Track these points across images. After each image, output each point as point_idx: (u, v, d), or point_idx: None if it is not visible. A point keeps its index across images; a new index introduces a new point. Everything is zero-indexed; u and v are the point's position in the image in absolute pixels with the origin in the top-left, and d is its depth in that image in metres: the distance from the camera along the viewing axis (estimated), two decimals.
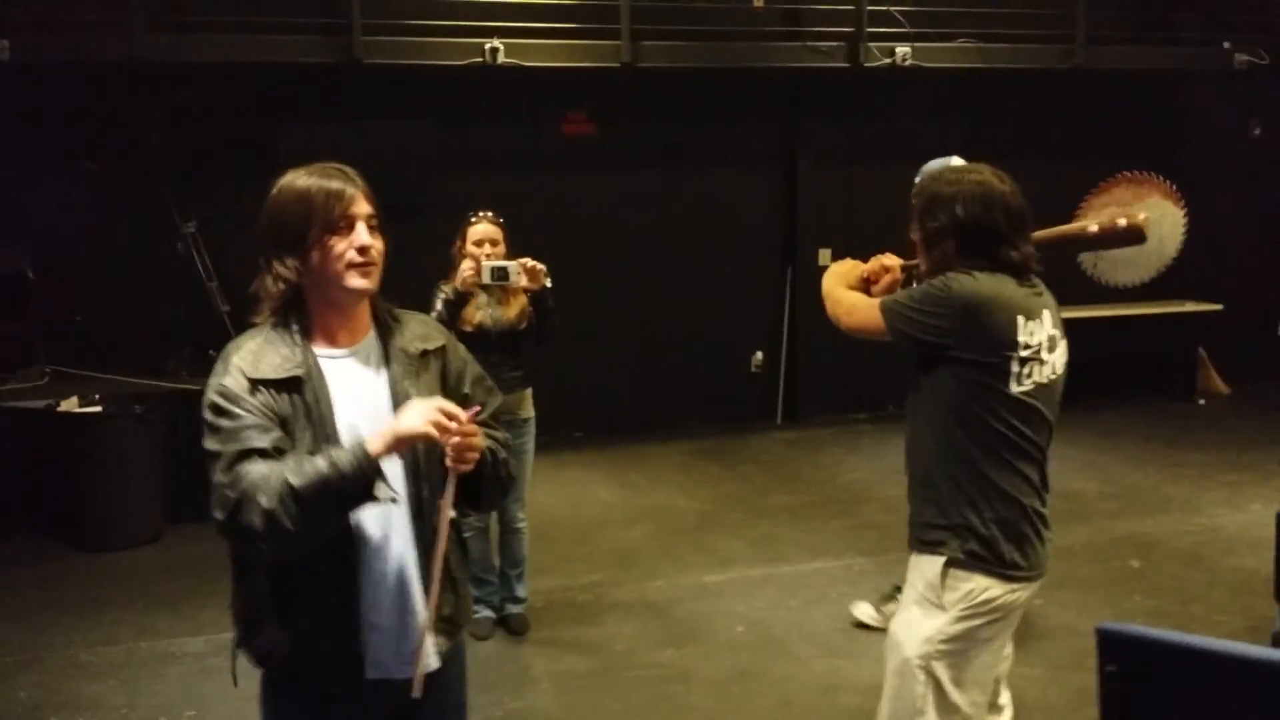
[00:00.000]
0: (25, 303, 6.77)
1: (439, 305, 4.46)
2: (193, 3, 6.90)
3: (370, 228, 2.19)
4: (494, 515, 4.83)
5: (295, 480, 1.98)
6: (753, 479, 7.37)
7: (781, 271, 8.86)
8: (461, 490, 2.18)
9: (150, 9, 6.72)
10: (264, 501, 1.98)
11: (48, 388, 6.56)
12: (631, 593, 5.38)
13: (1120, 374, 8.89)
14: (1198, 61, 8.89)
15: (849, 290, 3.01)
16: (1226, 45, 8.79)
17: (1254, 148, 9.72)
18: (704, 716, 4.19)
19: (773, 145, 8.85)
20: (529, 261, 4.49)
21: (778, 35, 8.15)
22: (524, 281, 4.47)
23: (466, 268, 4.38)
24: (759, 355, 8.97)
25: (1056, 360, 2.73)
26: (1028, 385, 2.66)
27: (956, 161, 4.80)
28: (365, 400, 2.20)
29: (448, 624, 2.30)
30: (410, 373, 2.25)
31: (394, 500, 2.08)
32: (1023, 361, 2.65)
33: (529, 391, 4.75)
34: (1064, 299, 2.95)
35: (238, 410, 2.08)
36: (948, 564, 2.71)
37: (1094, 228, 2.95)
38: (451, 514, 2.17)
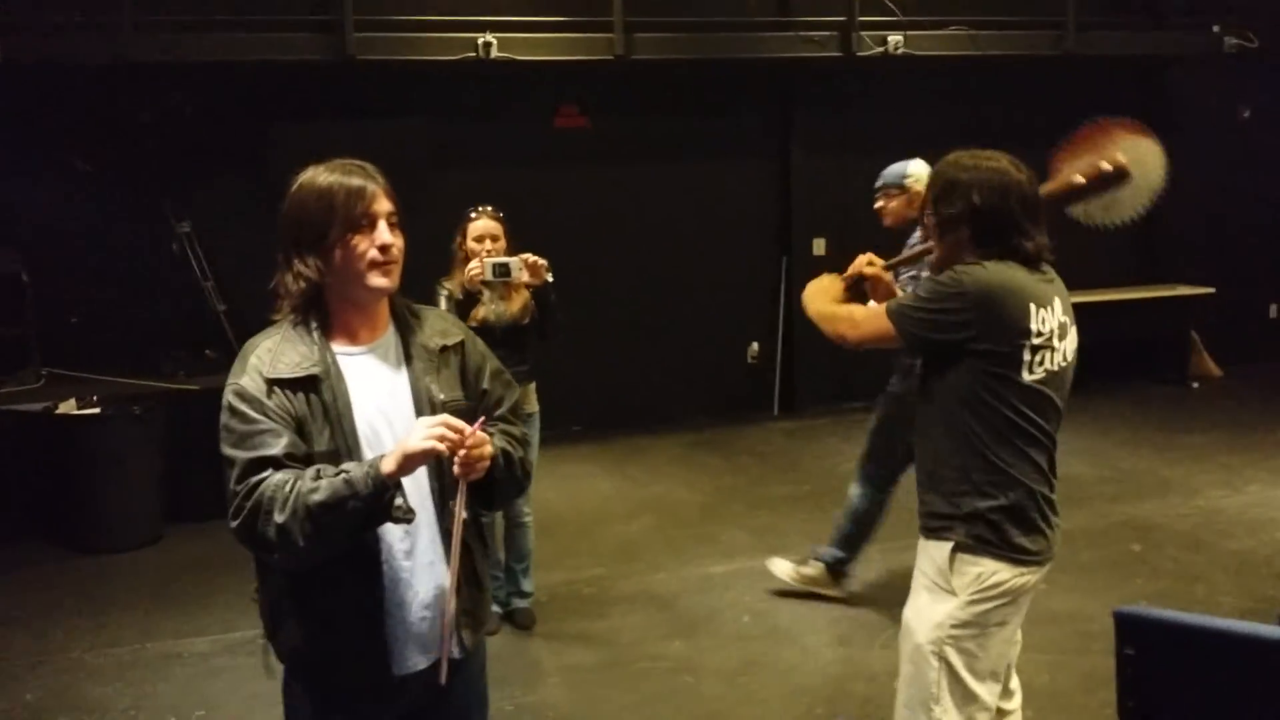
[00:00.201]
0: (19, 305, 6.72)
1: (443, 305, 4.45)
2: (184, 2, 6.86)
3: (391, 225, 2.19)
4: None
5: (310, 498, 1.99)
6: (752, 470, 7.38)
7: (776, 262, 8.86)
8: (475, 490, 2.18)
9: (141, 8, 6.67)
10: (278, 517, 1.99)
11: (44, 390, 6.52)
12: (636, 585, 5.39)
13: (1113, 358, 8.91)
14: (1187, 46, 8.91)
15: (841, 305, 3.00)
16: (1215, 29, 8.82)
17: (1243, 131, 9.75)
18: (716, 707, 4.20)
19: (766, 135, 8.85)
20: (530, 257, 4.48)
21: (770, 25, 8.15)
22: (526, 277, 4.46)
23: (472, 267, 4.38)
24: (755, 346, 8.98)
25: (1067, 347, 2.73)
26: (1039, 373, 2.66)
27: (917, 164, 4.88)
28: (385, 397, 2.20)
29: (470, 618, 2.30)
30: (431, 369, 2.25)
31: (410, 520, 2.07)
32: (1034, 349, 2.64)
33: (533, 386, 4.75)
34: None
35: (253, 413, 2.08)
36: (955, 549, 2.71)
37: (1080, 179, 2.96)
38: (464, 516, 2.17)
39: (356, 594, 2.15)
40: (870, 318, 2.86)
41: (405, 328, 2.29)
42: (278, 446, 2.05)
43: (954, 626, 2.72)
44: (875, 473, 4.96)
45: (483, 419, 2.14)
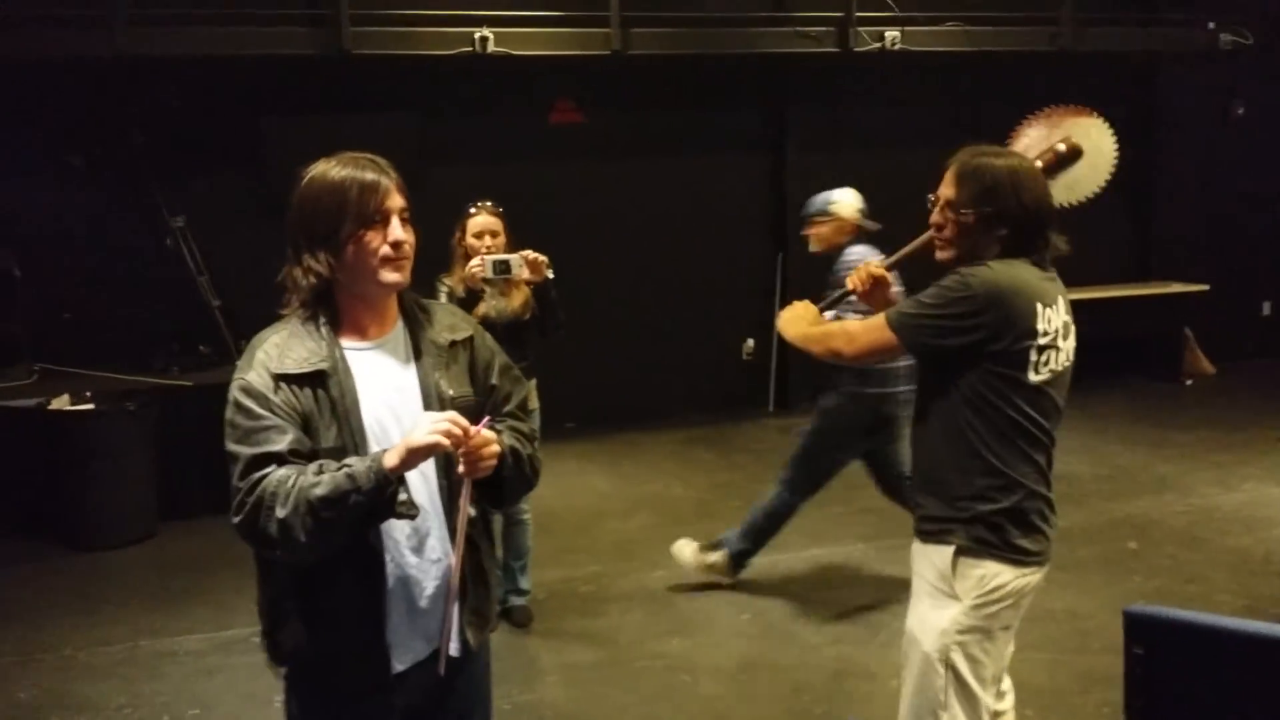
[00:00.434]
0: (12, 300, 6.68)
1: (443, 301, 4.43)
2: None
3: (404, 221, 2.17)
4: None
5: (312, 493, 1.97)
6: (747, 467, 7.36)
7: (772, 258, 8.84)
8: (484, 488, 2.16)
9: (135, 3, 6.63)
10: (279, 512, 1.97)
11: (37, 386, 6.49)
12: (634, 583, 5.38)
13: (1107, 355, 8.91)
14: (1182, 43, 8.92)
15: (825, 325, 2.97)
16: (1211, 26, 8.83)
17: (1237, 128, 9.76)
18: (715, 706, 4.19)
19: (761, 131, 8.83)
20: (530, 253, 4.46)
21: (766, 21, 8.13)
22: (527, 274, 4.44)
23: (473, 265, 4.35)
24: (750, 343, 8.96)
25: (1070, 347, 2.71)
26: (1045, 374, 2.64)
27: (840, 192, 5.04)
28: (393, 393, 2.19)
29: (476, 617, 2.29)
30: (440, 364, 2.24)
31: (413, 516, 2.06)
32: (1040, 349, 2.62)
33: (534, 383, 4.73)
34: None
35: (258, 409, 2.06)
36: (957, 553, 2.68)
37: (1039, 163, 2.95)
38: (471, 512, 2.16)
39: (359, 592, 2.14)
40: (867, 330, 2.80)
41: (414, 323, 2.27)
42: (282, 443, 2.03)
43: (959, 632, 2.69)
44: (794, 478, 5.06)
45: (489, 417, 2.12)
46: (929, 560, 2.76)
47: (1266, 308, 10.18)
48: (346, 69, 7.41)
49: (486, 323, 4.46)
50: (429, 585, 2.19)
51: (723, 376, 8.91)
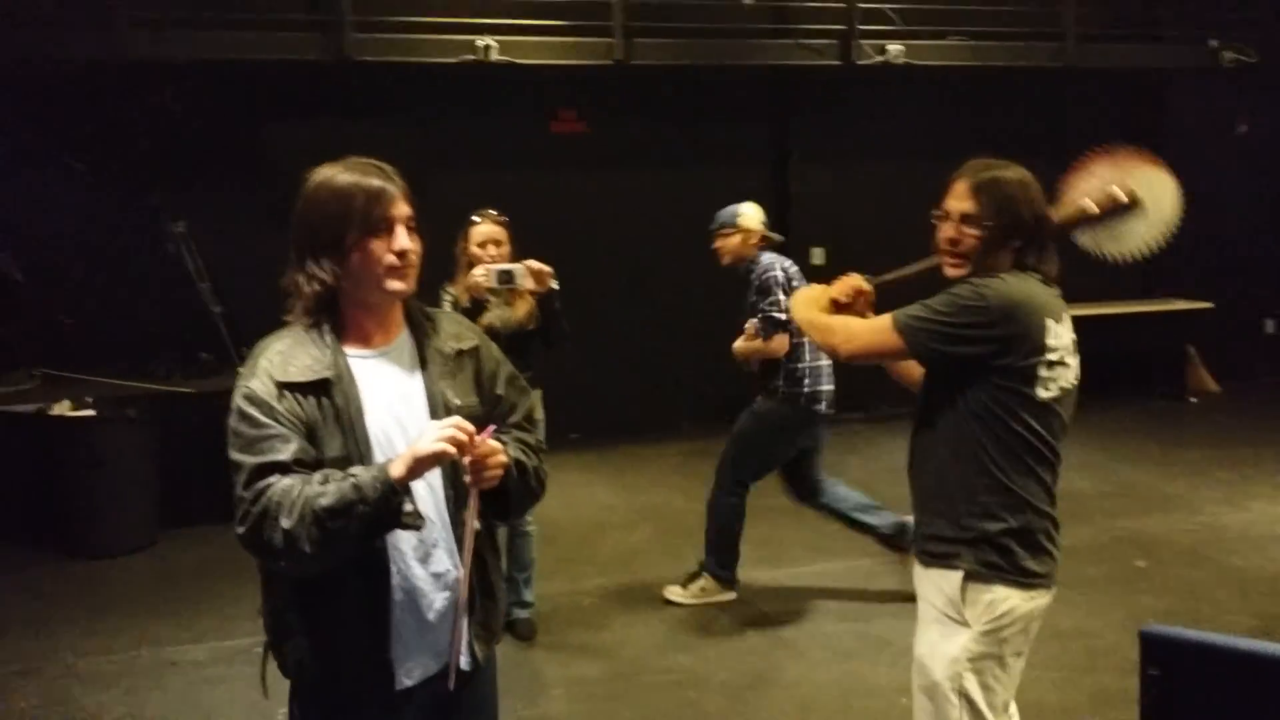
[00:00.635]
0: (12, 305, 6.67)
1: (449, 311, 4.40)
2: (181, 1, 6.78)
3: (409, 230, 2.14)
4: None
5: (317, 503, 1.93)
6: None
7: None
8: (489, 500, 2.13)
9: (137, 6, 6.61)
10: (284, 522, 1.94)
11: (37, 391, 6.45)
12: (638, 596, 5.34)
13: (1111, 372, 8.89)
14: (1185, 60, 8.94)
15: (834, 316, 2.87)
16: (1214, 44, 8.84)
17: (1240, 145, 9.77)
18: None
19: (764, 143, 8.83)
20: (534, 263, 4.44)
21: (770, 33, 8.13)
22: (530, 284, 4.41)
23: (477, 274, 4.32)
24: None
25: (1076, 365, 2.67)
26: (1054, 390, 2.59)
27: (747, 205, 5.13)
28: (398, 401, 2.16)
29: (483, 630, 2.27)
30: (446, 373, 2.21)
31: (419, 527, 2.02)
32: (1050, 365, 2.58)
33: (538, 393, 4.70)
34: None
35: (262, 417, 2.03)
36: (966, 578, 2.61)
37: (1094, 207, 2.86)
38: (477, 526, 2.12)
39: (365, 605, 2.10)
40: (869, 330, 2.74)
41: (419, 331, 2.24)
42: (286, 452, 2.00)
43: (970, 660, 2.62)
44: (727, 481, 5.15)
45: (493, 426, 2.09)
46: (935, 585, 2.69)
47: (1270, 325, 10.18)
48: (349, 75, 7.41)
49: (491, 333, 4.40)
50: (436, 598, 2.16)
51: (726, 389, 8.86)
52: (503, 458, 2.07)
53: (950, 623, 2.65)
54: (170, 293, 7.04)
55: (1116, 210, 2.86)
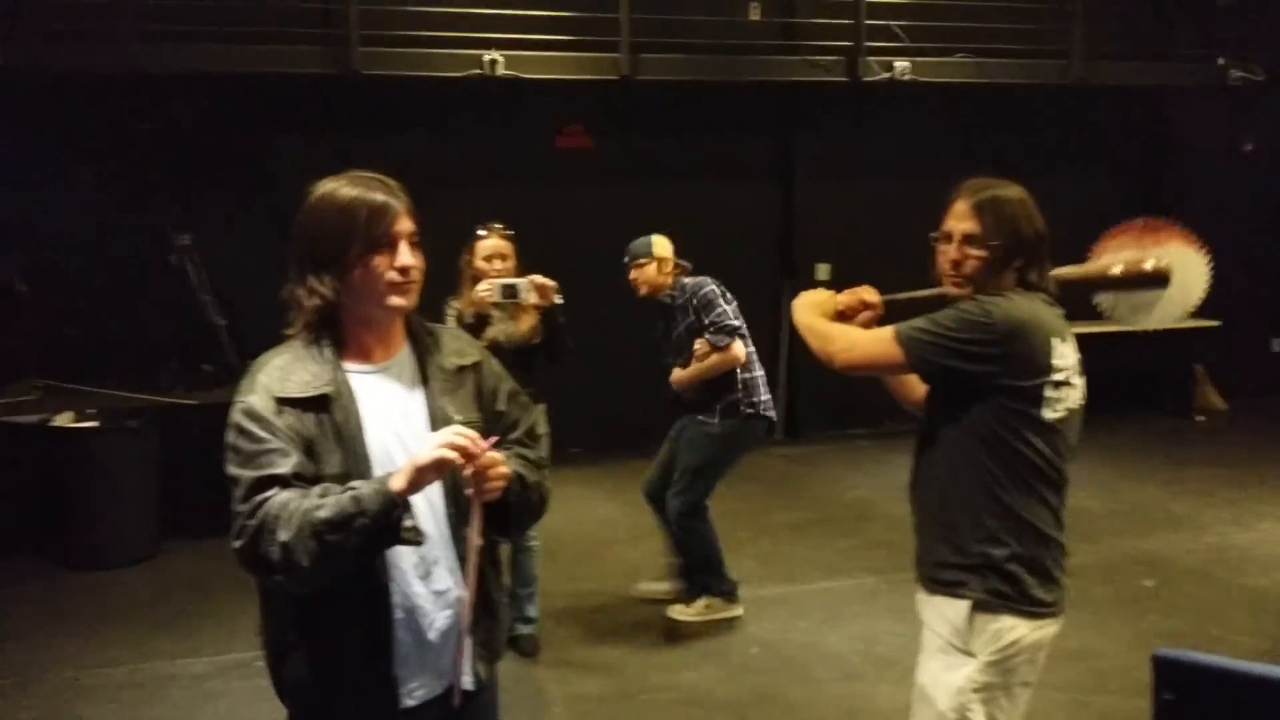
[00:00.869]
0: (15, 315, 6.64)
1: (450, 324, 4.39)
2: (188, 13, 6.79)
3: (412, 245, 2.12)
4: None
5: (316, 515, 1.90)
6: (755, 496, 7.28)
7: (778, 287, 8.80)
8: (490, 516, 2.10)
9: (145, 18, 6.61)
10: (281, 535, 1.91)
11: (39, 402, 6.43)
12: (642, 612, 5.29)
13: (1117, 390, 8.85)
14: (1192, 78, 8.93)
15: (834, 323, 2.80)
16: (1221, 62, 8.84)
17: (1246, 164, 9.75)
18: None
19: (770, 159, 8.82)
20: (538, 278, 4.43)
21: (776, 49, 8.13)
22: (534, 298, 4.40)
23: (481, 288, 4.31)
24: None
25: (1082, 385, 2.62)
26: (1060, 411, 2.54)
27: (658, 237, 5.15)
28: (398, 418, 2.13)
29: (485, 649, 2.24)
30: (447, 389, 2.19)
31: (419, 543, 1.99)
32: (1056, 385, 2.53)
33: (543, 408, 4.68)
34: None
35: (261, 432, 2.00)
36: (973, 608, 2.56)
37: (1118, 270, 2.79)
38: (479, 542, 2.09)
39: (365, 624, 2.07)
40: (870, 340, 2.67)
41: (421, 347, 2.22)
42: (286, 465, 1.98)
43: (975, 690, 2.56)
44: (692, 502, 5.06)
45: (495, 438, 2.06)
46: (940, 613, 2.63)
47: (1276, 344, 10.15)
48: (356, 89, 7.40)
49: (495, 347, 4.42)
50: (437, 617, 2.13)
51: None
52: (505, 469, 2.03)
53: (955, 652, 2.59)
54: (174, 305, 7.02)
55: (1143, 281, 2.78)
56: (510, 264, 4.58)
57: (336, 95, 7.52)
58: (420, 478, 1.93)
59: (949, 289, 2.67)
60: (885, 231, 8.32)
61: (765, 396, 5.10)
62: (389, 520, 1.92)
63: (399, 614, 2.09)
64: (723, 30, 8.05)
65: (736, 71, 7.98)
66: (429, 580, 2.12)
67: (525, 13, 7.55)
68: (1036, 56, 8.43)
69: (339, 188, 2.11)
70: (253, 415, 2.02)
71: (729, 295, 5.05)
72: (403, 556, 2.08)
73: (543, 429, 4.66)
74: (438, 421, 2.13)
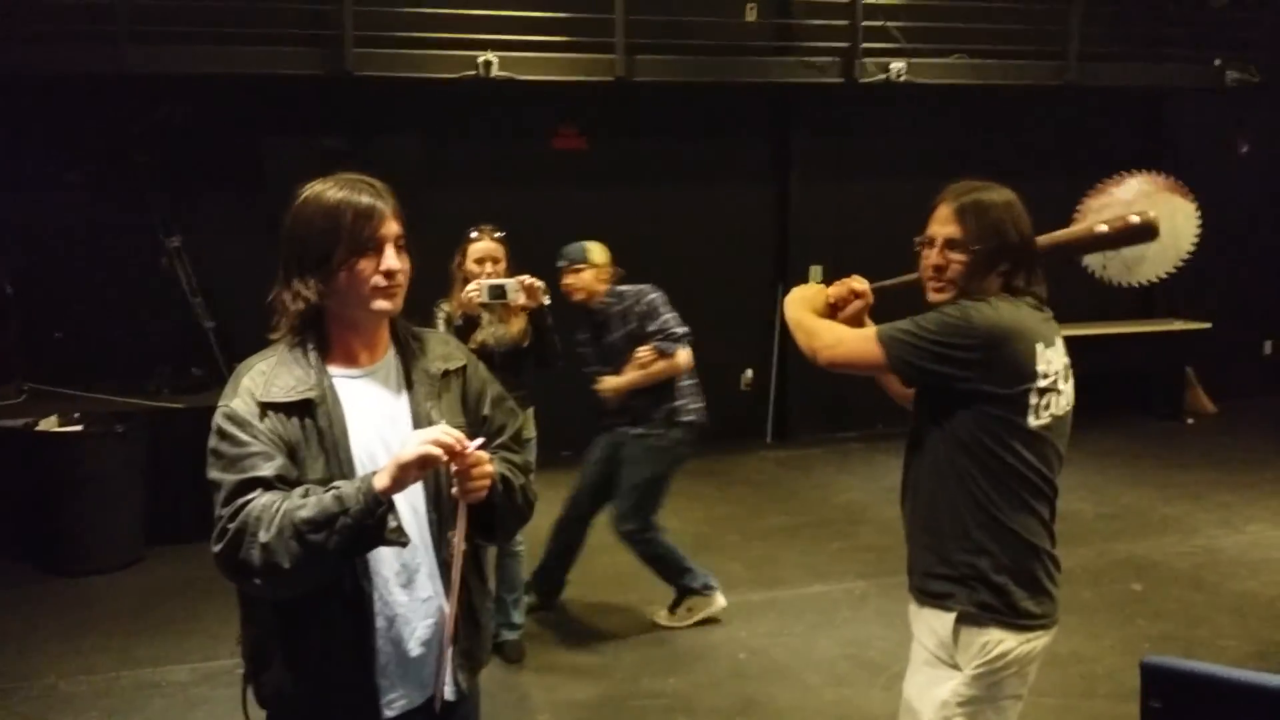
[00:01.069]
0: (2, 318, 6.60)
1: (441, 326, 4.37)
2: (179, 14, 6.75)
3: (398, 249, 2.10)
4: None
5: (297, 515, 1.88)
6: (746, 500, 7.27)
7: (772, 289, 8.77)
8: (475, 520, 2.08)
9: (136, 20, 6.57)
10: (262, 536, 1.89)
11: (26, 406, 6.37)
12: (629, 618, 5.27)
13: (1108, 392, 8.84)
14: (1188, 79, 8.91)
15: (822, 319, 2.77)
16: (1217, 63, 8.82)
17: (1242, 166, 9.73)
18: None
19: (765, 160, 8.79)
20: (527, 279, 4.40)
21: (772, 50, 8.11)
22: (523, 299, 4.37)
23: (470, 289, 4.28)
24: (749, 373, 8.89)
25: (1070, 390, 2.58)
26: (1045, 418, 2.50)
27: (593, 243, 5.05)
28: (383, 422, 2.12)
29: (468, 659, 2.22)
30: (432, 394, 2.17)
31: (404, 544, 1.97)
32: (1041, 392, 2.48)
33: (531, 411, 4.67)
34: None
35: (243, 436, 1.99)
36: (959, 620, 2.52)
37: (1103, 227, 2.73)
38: (463, 546, 2.07)
39: (348, 633, 2.05)
40: (855, 339, 2.65)
41: (406, 351, 2.21)
42: (268, 468, 1.96)
43: (960, 704, 2.52)
44: (647, 518, 5.03)
45: (481, 439, 2.04)
46: (928, 626, 2.60)
47: (1268, 347, 10.14)
48: (350, 90, 7.37)
49: (484, 350, 4.40)
50: (419, 625, 2.11)
51: (721, 407, 8.77)
52: (489, 468, 2.01)
53: (941, 665, 2.57)
54: (163, 307, 6.99)
55: (1129, 234, 2.73)
56: (502, 266, 4.55)
57: (329, 96, 7.48)
58: (404, 475, 1.91)
59: (928, 286, 2.64)
60: (881, 233, 8.24)
61: (701, 403, 5.09)
62: (372, 519, 1.89)
63: (380, 622, 2.07)
64: (718, 31, 8.01)
65: (732, 72, 7.95)
66: (411, 588, 2.11)
67: (520, 14, 7.51)
68: (1033, 57, 8.41)
69: (325, 190, 2.09)
70: (235, 419, 2.00)
71: (668, 302, 4.99)
72: (384, 563, 2.07)
73: (530, 433, 4.67)
74: (422, 426, 2.10)
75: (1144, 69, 8.79)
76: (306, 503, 1.90)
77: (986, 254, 2.54)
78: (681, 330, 4.90)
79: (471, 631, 2.21)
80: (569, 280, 4.95)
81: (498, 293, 4.30)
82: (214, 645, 4.89)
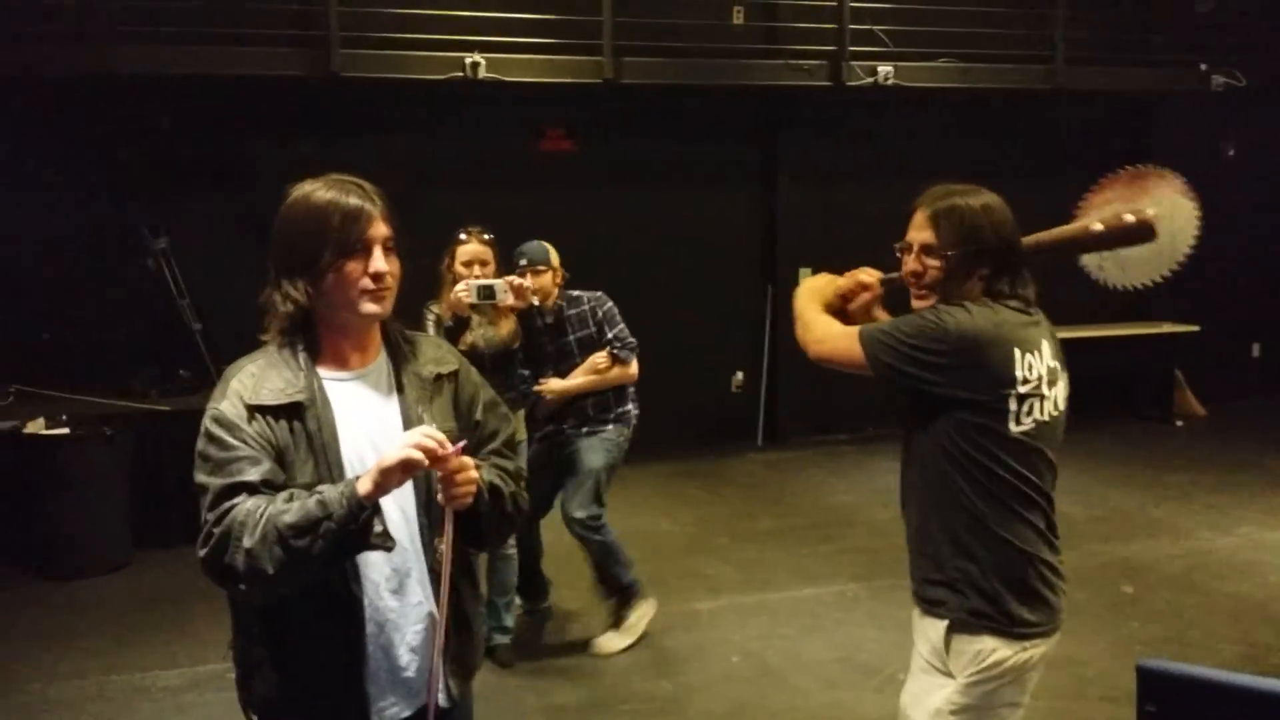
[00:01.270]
0: None
1: (430, 329, 4.35)
2: (165, 15, 6.72)
3: (387, 251, 2.08)
4: None
5: (281, 520, 1.86)
6: (736, 502, 7.26)
7: (761, 290, 8.78)
8: (463, 527, 2.06)
9: (123, 20, 6.54)
10: (247, 540, 1.87)
11: (12, 408, 6.34)
12: None
13: (1097, 395, 8.85)
14: (1175, 83, 8.94)
15: (822, 313, 2.73)
16: (1203, 67, 8.85)
17: (1228, 169, 9.77)
18: None
19: (753, 163, 8.80)
20: (515, 279, 4.38)
21: (760, 53, 8.11)
22: (511, 300, 4.35)
23: (458, 290, 4.26)
24: (739, 375, 8.89)
25: (1058, 395, 2.52)
26: (1028, 424, 2.45)
27: (553, 249, 4.97)
28: (374, 425, 2.09)
29: (459, 666, 2.19)
30: (424, 398, 2.15)
31: (389, 548, 1.95)
32: (1021, 399, 2.44)
33: (522, 413, 4.64)
34: None
35: (230, 439, 1.96)
36: (951, 628, 2.49)
37: (1098, 226, 2.65)
38: (449, 553, 2.05)
39: (337, 639, 2.03)
40: (840, 336, 2.62)
41: (398, 354, 2.18)
42: (255, 473, 1.94)
43: (953, 713, 2.49)
44: (598, 513, 4.99)
45: (464, 442, 2.01)
46: (924, 634, 2.58)
47: (1256, 349, 10.18)
48: (337, 92, 7.35)
49: (474, 352, 4.38)
50: (409, 631, 2.09)
51: (711, 410, 8.82)
52: (474, 474, 1.99)
53: (935, 673, 2.54)
54: (150, 309, 6.96)
55: (1125, 234, 2.65)
56: (491, 269, 4.53)
57: (316, 98, 7.46)
58: (386, 480, 1.89)
59: (911, 290, 2.61)
60: (869, 236, 8.22)
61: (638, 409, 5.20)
62: (356, 524, 1.87)
63: (370, 628, 2.05)
64: (706, 34, 8.01)
65: (720, 75, 7.95)
66: (401, 594, 2.09)
67: (507, 15, 7.50)
68: (1020, 62, 8.44)
69: (314, 191, 2.07)
70: (222, 422, 1.98)
71: None
72: (374, 569, 2.05)
73: (522, 435, 4.64)
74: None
75: (1130, 73, 8.83)
76: (290, 507, 1.88)
77: (963, 259, 2.50)
78: (633, 340, 4.96)
79: (463, 637, 2.19)
80: (529, 281, 4.90)
81: (487, 294, 4.28)
82: (203, 650, 4.86)
